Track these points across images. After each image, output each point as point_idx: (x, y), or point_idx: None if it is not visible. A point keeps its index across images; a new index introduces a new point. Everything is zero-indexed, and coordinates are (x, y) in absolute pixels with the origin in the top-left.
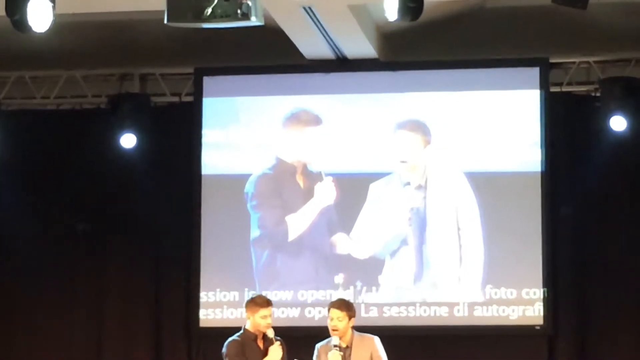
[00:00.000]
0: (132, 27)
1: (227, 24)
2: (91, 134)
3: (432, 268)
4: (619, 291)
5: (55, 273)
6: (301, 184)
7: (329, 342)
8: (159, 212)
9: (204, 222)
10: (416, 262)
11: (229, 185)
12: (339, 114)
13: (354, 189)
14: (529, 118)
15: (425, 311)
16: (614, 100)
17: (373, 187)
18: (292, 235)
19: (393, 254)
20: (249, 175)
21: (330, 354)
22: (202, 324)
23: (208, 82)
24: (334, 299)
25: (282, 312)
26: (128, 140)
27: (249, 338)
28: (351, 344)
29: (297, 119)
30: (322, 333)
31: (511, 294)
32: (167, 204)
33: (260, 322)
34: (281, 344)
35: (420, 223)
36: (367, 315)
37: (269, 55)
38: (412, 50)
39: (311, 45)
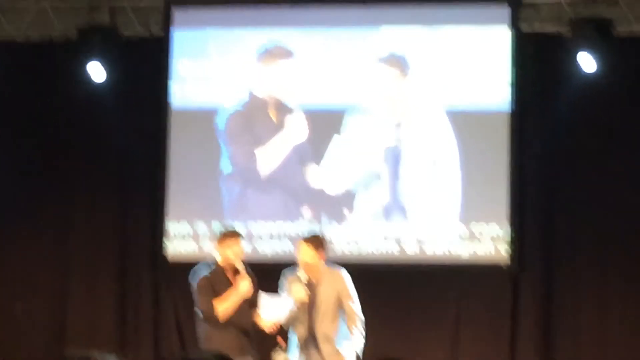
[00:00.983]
0: None
1: None
2: (60, 67)
3: (405, 204)
4: (585, 230)
5: (21, 204)
6: (274, 119)
7: (296, 272)
8: (128, 144)
9: (173, 154)
10: (389, 198)
11: (199, 119)
12: (313, 48)
13: (328, 123)
14: (500, 57)
15: (395, 247)
16: (584, 41)
17: (348, 121)
18: (263, 172)
19: (365, 188)
20: (220, 109)
21: (293, 287)
22: (167, 255)
23: (178, 13)
24: (304, 232)
25: (252, 245)
26: (97, 73)
27: (219, 272)
28: (319, 279)
29: (270, 53)
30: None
31: (479, 232)
32: (136, 137)
33: (229, 254)
34: (251, 277)
35: (395, 159)
36: (337, 250)
37: None
38: None
39: None
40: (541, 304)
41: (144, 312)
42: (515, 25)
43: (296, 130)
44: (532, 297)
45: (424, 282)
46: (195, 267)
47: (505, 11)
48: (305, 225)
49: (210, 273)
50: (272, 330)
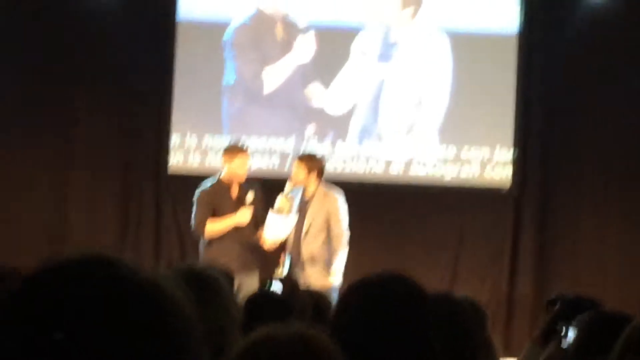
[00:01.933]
0: None
1: None
2: None
3: (407, 125)
4: (588, 154)
5: (23, 108)
6: (281, 36)
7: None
8: (134, 56)
9: (178, 67)
10: (389, 119)
11: (206, 32)
12: None
13: (334, 42)
14: None
15: (396, 168)
16: None
17: (354, 41)
18: (267, 89)
19: (363, 108)
20: (227, 22)
21: (277, 198)
22: (170, 166)
23: None
24: (302, 151)
25: (252, 160)
26: None
27: (222, 187)
28: (311, 199)
29: None
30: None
31: (481, 154)
32: (141, 48)
33: (236, 170)
34: (256, 191)
35: (396, 78)
36: (340, 169)
37: None
38: None
39: None
40: (541, 228)
41: (145, 220)
42: None
43: (304, 50)
44: (532, 221)
45: (425, 204)
46: (204, 181)
47: None
48: (306, 143)
49: (211, 186)
50: (270, 248)
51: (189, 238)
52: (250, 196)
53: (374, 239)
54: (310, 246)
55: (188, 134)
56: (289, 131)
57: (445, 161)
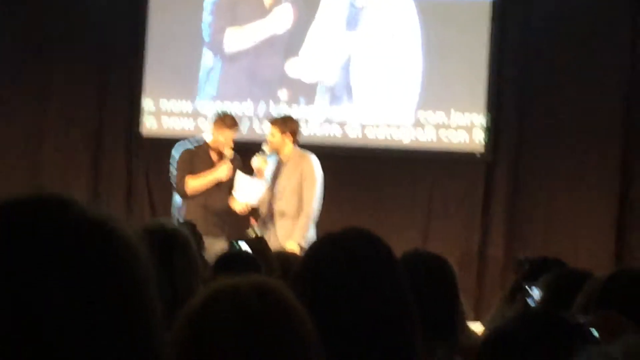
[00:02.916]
0: None
1: None
2: None
3: (379, 89)
4: (561, 119)
5: None
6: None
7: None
8: (105, 15)
9: (151, 28)
10: (358, 84)
11: None
12: None
13: (307, 10)
14: None
15: (368, 132)
16: None
17: (320, 6)
18: (231, 48)
19: (335, 72)
20: None
21: (254, 157)
22: (143, 130)
23: None
24: (276, 114)
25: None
26: None
27: (204, 150)
28: (286, 161)
29: None
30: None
31: (455, 120)
32: (112, 7)
33: (221, 139)
34: (236, 160)
35: (368, 43)
36: (313, 133)
37: None
38: None
39: None
40: (514, 193)
41: (117, 180)
42: None
43: (281, 19)
44: (505, 185)
45: (398, 168)
46: (180, 141)
47: None
48: (280, 107)
49: (195, 147)
50: (242, 211)
51: (161, 201)
52: (228, 152)
53: (345, 203)
54: (282, 203)
55: (161, 98)
56: (261, 96)
57: (417, 126)
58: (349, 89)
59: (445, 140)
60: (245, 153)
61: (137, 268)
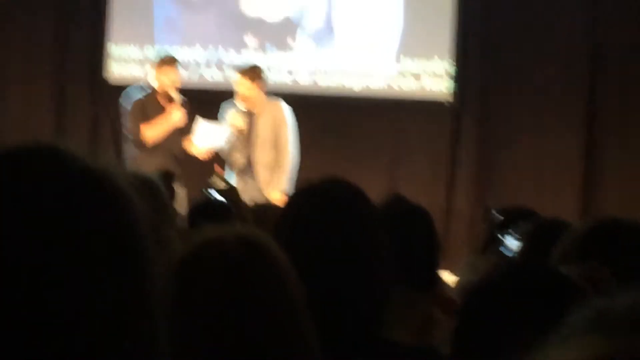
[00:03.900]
0: None
1: None
2: None
3: (346, 37)
4: (527, 65)
5: None
6: None
7: (234, 103)
8: None
9: None
10: (329, 29)
11: None
12: None
13: None
14: None
15: (333, 79)
16: None
17: None
18: None
19: (305, 18)
20: None
21: (232, 116)
22: (106, 75)
23: None
24: (243, 60)
25: (188, 71)
26: None
27: (153, 98)
28: (259, 111)
29: None
30: (228, 95)
31: (421, 67)
32: None
33: (165, 81)
34: (185, 105)
35: None
36: (279, 79)
37: None
38: None
39: None
40: (480, 140)
41: (82, 127)
42: None
43: None
44: (472, 134)
45: (364, 115)
46: (127, 89)
47: None
48: (248, 54)
49: (144, 97)
50: (205, 157)
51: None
52: (175, 95)
53: (311, 152)
54: (262, 153)
55: (124, 44)
56: (229, 41)
57: (383, 73)
58: (315, 34)
59: (411, 87)
60: (211, 101)
61: (134, 219)
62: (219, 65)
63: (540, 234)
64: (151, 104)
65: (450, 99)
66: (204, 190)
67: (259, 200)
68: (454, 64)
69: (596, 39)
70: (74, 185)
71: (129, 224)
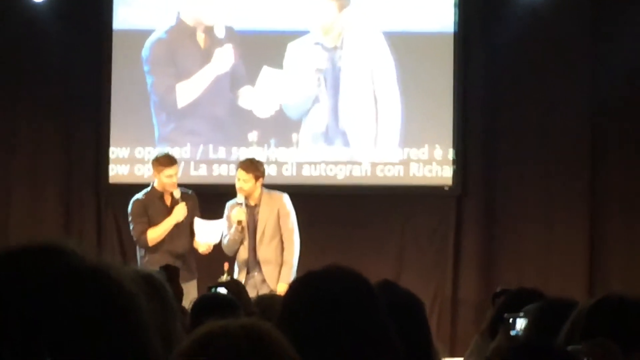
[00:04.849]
0: None
1: None
2: None
3: (345, 128)
4: (527, 152)
5: None
6: (201, 46)
7: (237, 199)
8: (70, 67)
9: (116, 77)
10: (329, 122)
11: (139, 41)
12: None
13: (263, 47)
14: None
15: (337, 171)
16: None
17: (284, 46)
18: (182, 103)
19: (306, 114)
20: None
21: (234, 210)
22: (111, 180)
23: None
24: (245, 156)
25: (191, 169)
26: None
27: (155, 196)
28: (259, 202)
29: None
30: (232, 190)
31: (422, 154)
32: (77, 58)
33: (165, 181)
34: (191, 200)
35: (333, 83)
36: (280, 173)
37: None
38: None
39: None
40: (484, 227)
41: (87, 232)
42: None
43: (222, 63)
44: (475, 220)
45: (368, 205)
46: (134, 196)
47: None
48: (247, 150)
49: (144, 195)
50: (205, 252)
51: (130, 245)
52: (177, 193)
53: (316, 242)
54: (265, 247)
55: (127, 147)
56: (226, 137)
57: (386, 163)
58: (316, 128)
59: (414, 175)
60: (219, 198)
61: (135, 314)
62: (220, 161)
63: (548, 313)
64: (152, 203)
65: (450, 183)
66: (210, 287)
67: (265, 292)
68: (455, 150)
69: (598, 126)
70: (77, 282)
71: (132, 320)
